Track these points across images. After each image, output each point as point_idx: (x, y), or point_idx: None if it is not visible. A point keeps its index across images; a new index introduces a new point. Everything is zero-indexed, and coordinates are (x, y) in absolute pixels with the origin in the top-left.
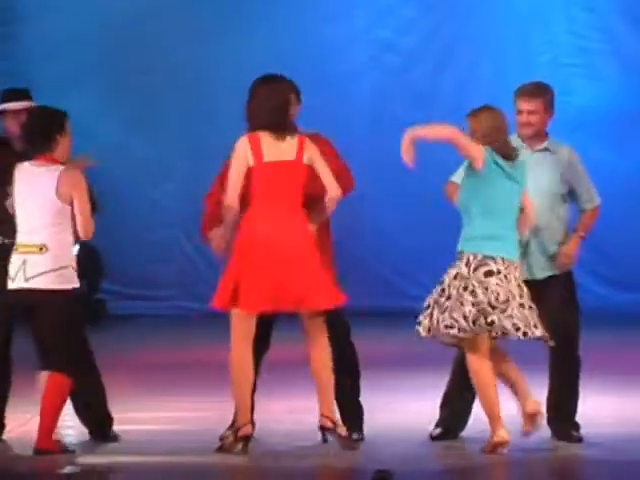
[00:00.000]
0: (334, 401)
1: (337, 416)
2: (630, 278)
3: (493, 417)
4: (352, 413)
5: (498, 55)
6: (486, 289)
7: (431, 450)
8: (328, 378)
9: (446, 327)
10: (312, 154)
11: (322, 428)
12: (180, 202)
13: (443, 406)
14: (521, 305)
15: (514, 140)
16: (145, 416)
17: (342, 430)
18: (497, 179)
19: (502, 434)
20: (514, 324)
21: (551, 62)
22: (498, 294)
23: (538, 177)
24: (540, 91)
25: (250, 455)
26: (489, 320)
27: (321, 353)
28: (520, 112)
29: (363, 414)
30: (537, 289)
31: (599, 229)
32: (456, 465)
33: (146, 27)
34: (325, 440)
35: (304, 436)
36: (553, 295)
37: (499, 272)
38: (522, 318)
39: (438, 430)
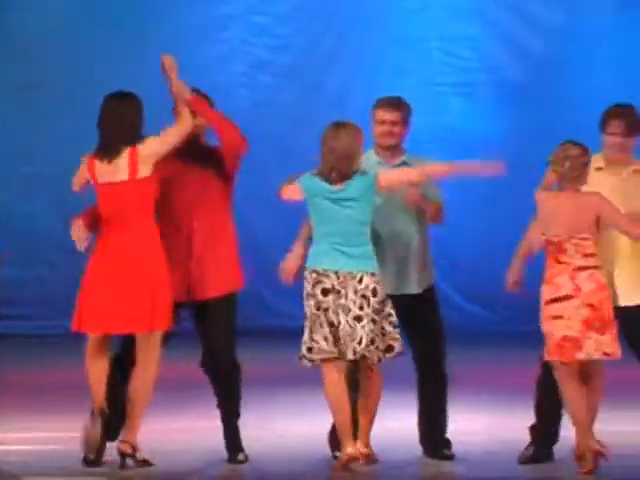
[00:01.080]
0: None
1: (136, 441)
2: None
3: (344, 433)
4: (233, 434)
5: (372, 75)
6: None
7: (311, 468)
8: (142, 403)
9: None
10: (149, 154)
11: (121, 454)
12: (52, 218)
13: None
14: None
15: (371, 156)
16: (14, 437)
17: (140, 455)
18: (319, 205)
19: (351, 450)
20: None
21: (424, 81)
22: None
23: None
24: (401, 104)
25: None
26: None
27: (144, 374)
28: (382, 122)
29: (239, 434)
30: (401, 305)
31: (462, 251)
32: None
33: (27, 43)
34: (123, 466)
35: (193, 453)
36: (418, 312)
37: (333, 288)
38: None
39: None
